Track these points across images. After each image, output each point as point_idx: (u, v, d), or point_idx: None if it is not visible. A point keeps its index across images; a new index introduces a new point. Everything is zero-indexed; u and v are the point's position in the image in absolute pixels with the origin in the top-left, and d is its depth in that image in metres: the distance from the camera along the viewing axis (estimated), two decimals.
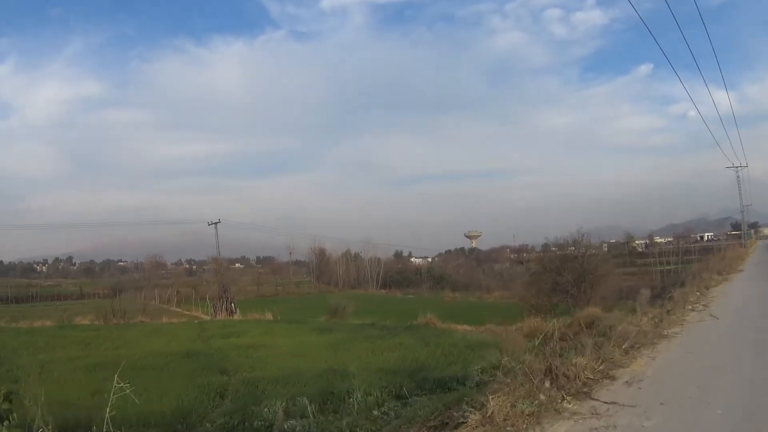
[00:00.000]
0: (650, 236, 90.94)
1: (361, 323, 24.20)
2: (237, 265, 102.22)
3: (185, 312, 41.95)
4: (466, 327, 23.39)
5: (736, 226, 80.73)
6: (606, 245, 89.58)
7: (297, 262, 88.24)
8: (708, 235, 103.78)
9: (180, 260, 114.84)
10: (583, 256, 23.71)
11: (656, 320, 9.06)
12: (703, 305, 11.67)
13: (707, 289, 15.31)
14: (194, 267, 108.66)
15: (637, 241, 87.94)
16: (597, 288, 22.92)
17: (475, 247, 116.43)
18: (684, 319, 9.73)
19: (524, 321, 21.22)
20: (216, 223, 48.89)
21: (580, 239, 24.97)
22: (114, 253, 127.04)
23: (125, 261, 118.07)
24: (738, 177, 51.29)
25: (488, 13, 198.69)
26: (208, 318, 35.82)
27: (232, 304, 41.76)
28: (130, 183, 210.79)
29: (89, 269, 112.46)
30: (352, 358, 12.89)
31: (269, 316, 29.28)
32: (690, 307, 11.25)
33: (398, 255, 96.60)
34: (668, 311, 10.14)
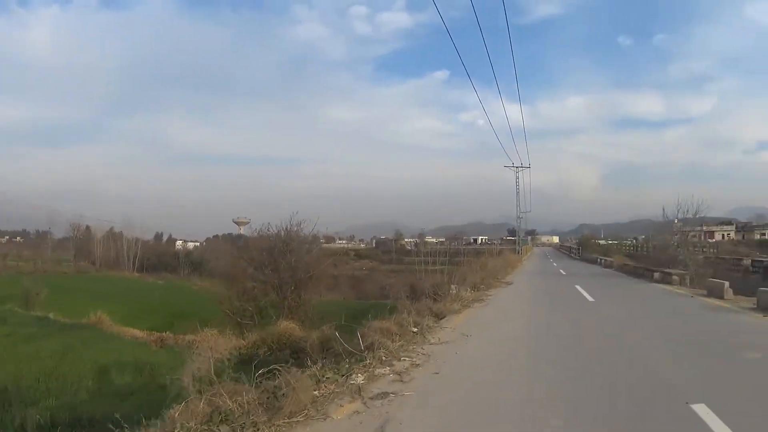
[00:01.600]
0: (420, 235, 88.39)
1: (44, 315, 22.13)
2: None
3: None
4: (143, 333, 20.50)
5: (512, 232, 77.75)
6: (375, 241, 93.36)
7: (64, 239, 76.00)
8: (482, 239, 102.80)
9: None
10: (290, 252, 17.40)
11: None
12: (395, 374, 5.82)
13: (438, 319, 9.95)
14: None
15: (407, 240, 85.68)
16: (307, 291, 17.32)
17: (241, 234, 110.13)
18: None
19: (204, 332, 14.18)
20: None
21: (295, 229, 18.18)
22: None
23: None
24: (517, 178, 50.70)
25: (295, 2, 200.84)
26: None
27: None
28: None
29: None
30: None
31: None
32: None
33: (158, 237, 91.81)
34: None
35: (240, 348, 11.99)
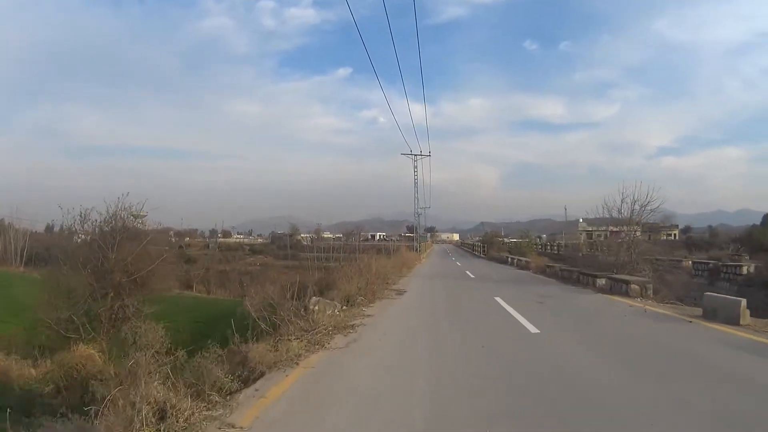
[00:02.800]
0: (317, 230, 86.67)
1: None
2: None
3: None
4: None
5: (411, 229, 75.80)
6: (271, 236, 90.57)
7: None
8: (381, 235, 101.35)
9: None
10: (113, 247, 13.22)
11: None
12: None
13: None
14: None
15: (303, 235, 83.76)
16: (138, 296, 13.09)
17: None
18: None
19: None
20: None
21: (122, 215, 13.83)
22: None
23: None
24: (415, 168, 43.03)
25: None
26: None
27: None
28: None
29: None
30: None
31: None
32: None
33: (49, 229, 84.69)
34: None
35: (28, 381, 9.70)
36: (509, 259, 31.29)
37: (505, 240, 59.35)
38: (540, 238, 78.59)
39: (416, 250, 43.07)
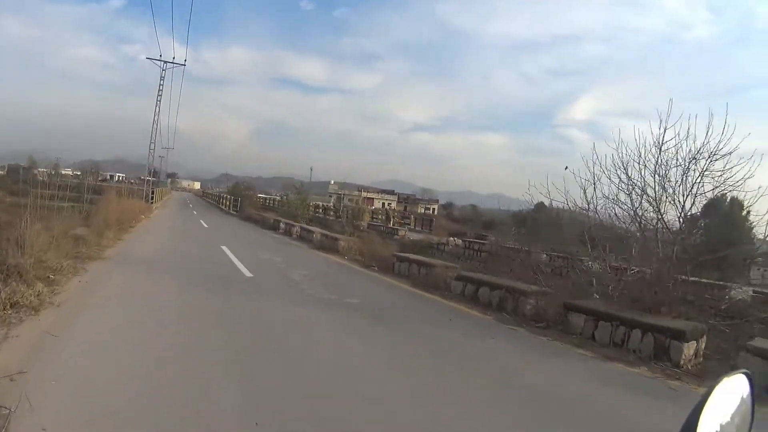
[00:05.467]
0: (56, 165, 74.42)
1: None
2: None
3: None
4: None
5: (155, 174, 74.04)
6: (7, 168, 73.36)
7: None
8: (120, 176, 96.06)
9: None
10: None
11: None
12: None
13: None
14: None
15: (42, 169, 68.86)
16: None
17: None
18: None
19: None
20: None
21: None
22: None
23: None
24: (162, 77, 29.54)
25: None
26: None
27: None
28: None
29: None
30: None
31: None
32: None
33: None
34: None
35: None
36: (281, 225, 21.81)
37: (262, 196, 48.87)
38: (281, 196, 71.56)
39: (150, 200, 28.43)
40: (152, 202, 28.97)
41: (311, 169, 78.58)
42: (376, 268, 11.36)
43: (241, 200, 38.64)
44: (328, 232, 17.04)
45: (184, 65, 30.91)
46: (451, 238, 18.69)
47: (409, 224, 33.37)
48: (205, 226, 21.27)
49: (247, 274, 9.01)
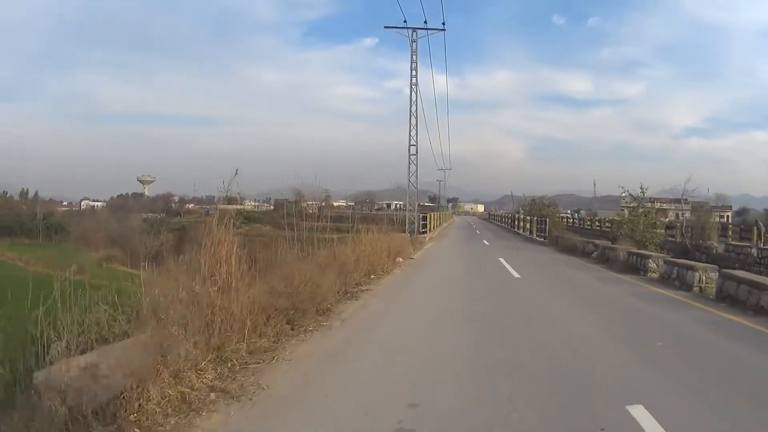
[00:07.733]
0: (327, 197, 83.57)
1: None
2: None
3: None
4: None
5: (433, 199, 74.04)
6: (273, 202, 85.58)
7: None
8: (397, 204, 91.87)
9: None
10: None
11: None
12: None
13: None
14: None
15: (310, 202, 77.22)
16: None
17: (143, 193, 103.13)
18: None
19: None
20: None
21: None
22: None
23: None
24: (414, 54, 23.59)
25: None
26: None
27: None
28: None
29: None
30: None
31: None
32: None
33: (23, 195, 77.42)
34: None
35: None
36: (649, 263, 13.85)
37: (564, 214, 37.83)
38: (578, 213, 63.52)
39: (412, 228, 22.78)
40: (424, 232, 24.15)
41: (594, 183, 70.58)
42: None
43: (545, 222, 29.94)
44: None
45: (444, 29, 22.65)
46: None
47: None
48: (516, 275, 11.98)
49: None
